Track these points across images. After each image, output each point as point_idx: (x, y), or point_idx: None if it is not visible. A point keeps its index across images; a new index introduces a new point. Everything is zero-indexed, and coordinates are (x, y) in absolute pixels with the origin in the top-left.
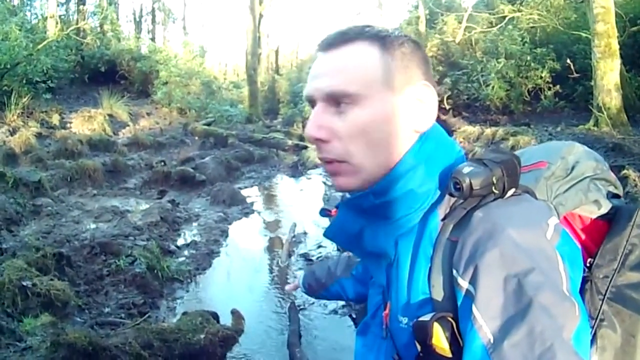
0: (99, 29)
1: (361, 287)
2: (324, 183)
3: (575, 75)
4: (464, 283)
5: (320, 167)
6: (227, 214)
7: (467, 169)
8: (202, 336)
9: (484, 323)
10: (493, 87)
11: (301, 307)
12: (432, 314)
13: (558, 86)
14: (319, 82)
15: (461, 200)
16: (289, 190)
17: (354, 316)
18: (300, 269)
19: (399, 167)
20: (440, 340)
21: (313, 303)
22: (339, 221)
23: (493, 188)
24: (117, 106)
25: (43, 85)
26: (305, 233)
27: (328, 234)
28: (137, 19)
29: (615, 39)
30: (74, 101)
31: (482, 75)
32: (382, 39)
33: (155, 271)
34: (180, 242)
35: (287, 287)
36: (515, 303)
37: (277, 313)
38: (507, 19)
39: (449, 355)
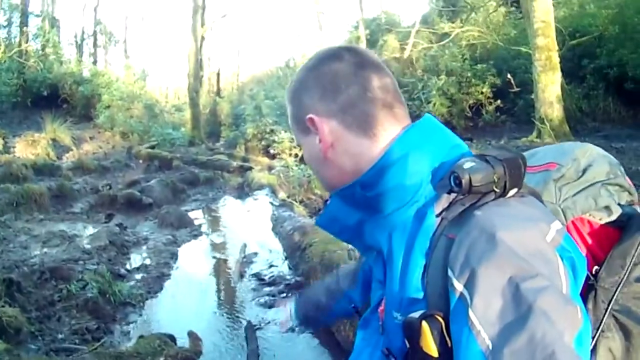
0: (41, 51)
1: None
2: (271, 203)
3: (516, 89)
4: (458, 285)
5: (265, 188)
6: (176, 237)
7: (468, 164)
8: (162, 359)
9: (482, 329)
10: (434, 104)
11: (257, 326)
12: (421, 312)
13: (499, 101)
14: None
15: (460, 197)
16: (236, 211)
17: (358, 309)
18: (253, 289)
19: (383, 159)
20: (427, 338)
21: (269, 322)
22: (331, 210)
23: (494, 186)
24: (61, 130)
25: None
26: (255, 253)
27: (320, 222)
28: (79, 42)
29: (556, 52)
30: (17, 125)
31: (424, 93)
32: (290, 97)
33: (107, 295)
34: (130, 265)
35: (281, 328)
36: (515, 308)
37: (233, 333)
38: (449, 36)
39: (435, 355)
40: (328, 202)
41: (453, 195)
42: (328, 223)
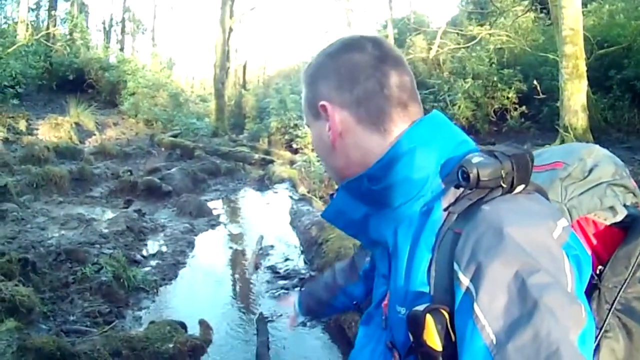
0: (68, 36)
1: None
2: (291, 197)
3: (542, 96)
4: (465, 280)
5: (286, 182)
6: (194, 226)
7: (476, 159)
8: (171, 345)
9: (487, 323)
10: (459, 106)
11: (269, 318)
12: (425, 305)
13: (524, 107)
14: None
15: (467, 191)
16: (255, 203)
17: (359, 305)
18: (267, 281)
19: (391, 152)
20: (431, 332)
21: (281, 315)
22: (337, 204)
23: (501, 181)
24: (84, 115)
25: (11, 90)
26: (272, 246)
27: (326, 215)
28: (107, 29)
29: (583, 61)
30: (41, 108)
31: (449, 95)
32: (308, 77)
33: (121, 280)
34: (146, 252)
35: (288, 323)
36: (520, 304)
37: (244, 324)
38: (476, 39)
39: (439, 349)
40: (334, 195)
41: (460, 190)
42: (334, 216)
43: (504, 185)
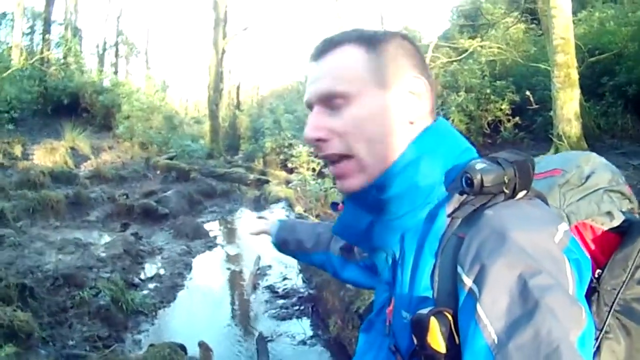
0: (62, 60)
1: (364, 277)
2: (287, 217)
3: (535, 106)
4: (468, 281)
5: (282, 201)
6: (191, 248)
7: (479, 165)
8: None
9: (489, 323)
10: (453, 120)
11: (269, 338)
12: (429, 308)
13: (517, 118)
14: (314, 87)
15: (470, 197)
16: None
17: (360, 313)
18: (266, 301)
19: (399, 161)
20: (435, 335)
21: (281, 335)
22: (346, 217)
23: (504, 187)
24: (80, 139)
25: (6, 115)
26: (269, 266)
27: (336, 230)
28: (101, 52)
29: (575, 69)
30: (37, 133)
31: (442, 109)
32: (367, 39)
33: (120, 304)
34: (144, 275)
35: (252, 229)
36: (522, 304)
37: (244, 345)
38: (467, 52)
39: (443, 351)
40: (342, 210)
41: (464, 196)
42: (342, 229)
43: (507, 191)
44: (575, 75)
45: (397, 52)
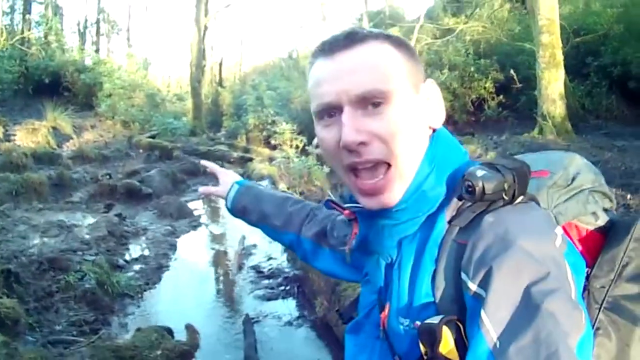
0: (43, 39)
1: (340, 268)
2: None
3: (519, 85)
4: (473, 286)
5: (266, 179)
6: (175, 228)
7: (480, 172)
8: (159, 352)
9: (491, 327)
10: None
11: (255, 319)
12: (440, 317)
13: (501, 96)
14: (344, 84)
15: (469, 204)
16: None
17: (342, 312)
18: (252, 281)
19: (417, 177)
20: (448, 343)
21: (267, 315)
22: (364, 232)
23: (504, 194)
24: (61, 118)
25: None
26: (254, 245)
27: (360, 248)
28: (82, 30)
29: (560, 50)
30: (18, 113)
31: None
32: (391, 40)
33: (105, 287)
34: (128, 256)
35: (201, 189)
36: (523, 309)
37: (231, 326)
38: (453, 31)
39: (457, 359)
40: (360, 225)
41: (461, 201)
42: (361, 243)
43: (506, 198)
44: (560, 56)
45: (412, 57)
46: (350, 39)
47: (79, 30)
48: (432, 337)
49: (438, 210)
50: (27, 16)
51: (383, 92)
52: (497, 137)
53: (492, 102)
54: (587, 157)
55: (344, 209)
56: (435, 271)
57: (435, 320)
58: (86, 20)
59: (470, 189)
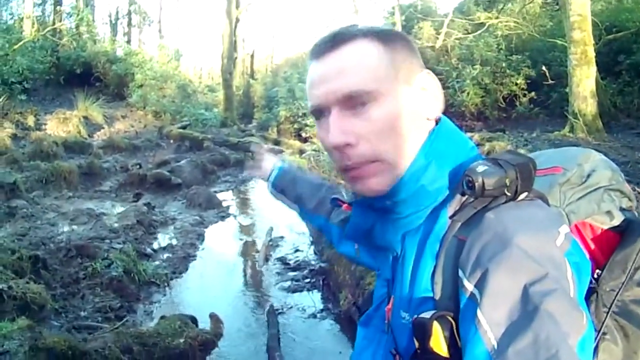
0: (74, 30)
1: (362, 254)
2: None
3: (550, 82)
4: (469, 285)
5: None
6: (203, 218)
7: (481, 167)
8: (182, 340)
9: (489, 328)
10: (468, 93)
11: (279, 310)
12: (432, 312)
13: (533, 93)
14: (331, 86)
15: (471, 199)
16: (265, 194)
17: (358, 305)
18: (277, 273)
19: (411, 168)
20: (438, 339)
21: (291, 307)
22: (355, 221)
23: (505, 190)
24: (92, 108)
25: (18, 86)
26: (282, 237)
27: (349, 235)
28: (113, 22)
29: (592, 47)
30: (49, 103)
31: (458, 82)
32: (379, 35)
33: (132, 274)
34: (156, 245)
35: (248, 170)
36: (522, 310)
37: (255, 317)
38: (484, 26)
39: (446, 355)
40: (348, 210)
41: (465, 197)
42: (353, 234)
43: (508, 194)
44: (591, 53)
45: (408, 48)
46: (336, 40)
47: (110, 21)
48: (423, 331)
49: (440, 205)
50: (58, 7)
51: (368, 92)
52: (527, 134)
53: (523, 98)
54: (617, 157)
55: (345, 203)
56: (435, 266)
57: (427, 315)
58: (117, 12)
59: (470, 185)
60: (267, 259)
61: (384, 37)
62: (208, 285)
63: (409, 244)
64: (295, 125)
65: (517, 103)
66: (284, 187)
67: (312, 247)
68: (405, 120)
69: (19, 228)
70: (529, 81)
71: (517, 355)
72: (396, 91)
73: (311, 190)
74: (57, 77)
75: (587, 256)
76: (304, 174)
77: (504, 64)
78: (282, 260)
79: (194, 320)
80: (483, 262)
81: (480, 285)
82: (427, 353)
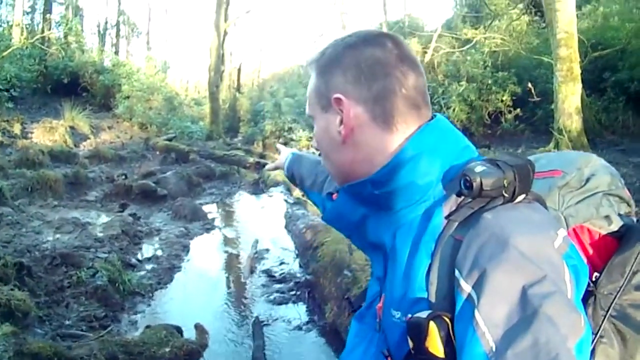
0: (63, 39)
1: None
2: (285, 201)
3: (536, 99)
4: (466, 286)
5: (281, 185)
6: (189, 229)
7: (479, 167)
8: (167, 350)
9: (487, 330)
10: (454, 109)
11: (265, 322)
12: (428, 312)
13: (518, 109)
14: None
15: (468, 200)
16: (250, 207)
17: (351, 300)
18: (263, 285)
19: (397, 157)
20: (435, 339)
21: (277, 319)
22: (338, 206)
23: (503, 191)
24: (79, 118)
25: (6, 93)
26: (267, 250)
27: (326, 217)
28: (102, 32)
29: (577, 64)
30: (36, 111)
31: (443, 98)
32: (318, 64)
33: (117, 284)
34: (141, 255)
35: (267, 167)
36: (520, 312)
37: (240, 328)
38: (471, 42)
39: (441, 355)
40: (335, 198)
41: (461, 197)
42: (334, 219)
43: (506, 195)
44: (577, 70)
45: (332, 71)
46: (308, 67)
47: (98, 31)
48: (419, 331)
49: (435, 204)
50: (47, 16)
51: (311, 116)
52: (513, 150)
53: (509, 115)
54: None
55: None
56: (430, 266)
57: (423, 314)
58: (106, 22)
59: (467, 185)
60: (252, 271)
61: (323, 68)
62: (193, 297)
63: (399, 241)
64: (281, 140)
65: (503, 119)
66: (293, 171)
67: (298, 259)
68: (327, 141)
69: (4, 235)
70: (514, 98)
71: (516, 358)
72: (318, 116)
73: (309, 169)
74: (44, 85)
75: (585, 260)
76: (310, 156)
77: (490, 81)
78: (268, 272)
79: (179, 330)
80: (481, 262)
81: (478, 286)
82: (422, 353)
